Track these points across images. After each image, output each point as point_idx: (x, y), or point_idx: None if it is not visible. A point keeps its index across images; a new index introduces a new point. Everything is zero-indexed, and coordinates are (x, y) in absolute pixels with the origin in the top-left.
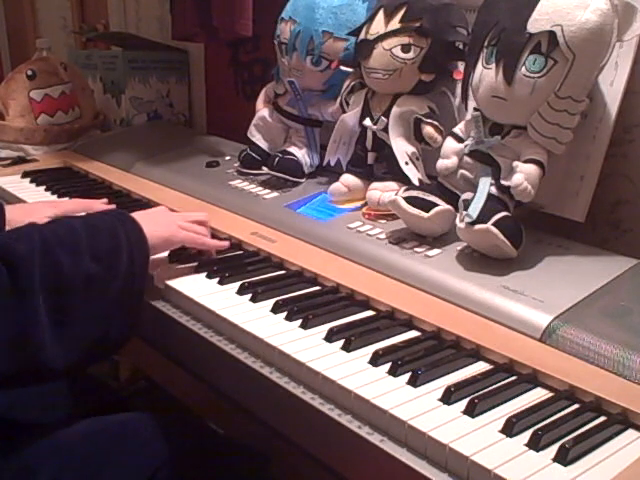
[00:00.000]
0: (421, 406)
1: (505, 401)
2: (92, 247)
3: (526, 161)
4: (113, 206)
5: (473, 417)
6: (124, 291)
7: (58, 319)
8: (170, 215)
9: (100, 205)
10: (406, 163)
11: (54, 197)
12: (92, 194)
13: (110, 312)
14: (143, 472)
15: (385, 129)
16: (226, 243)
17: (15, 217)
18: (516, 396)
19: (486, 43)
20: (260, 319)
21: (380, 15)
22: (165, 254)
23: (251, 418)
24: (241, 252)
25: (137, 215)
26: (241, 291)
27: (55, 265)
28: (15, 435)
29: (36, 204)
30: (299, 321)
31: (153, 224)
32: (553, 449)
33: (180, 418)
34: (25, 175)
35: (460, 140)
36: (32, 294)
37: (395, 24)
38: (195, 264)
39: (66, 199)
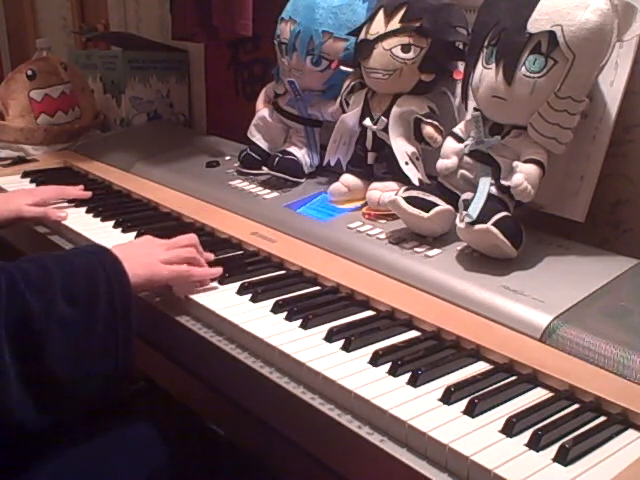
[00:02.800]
0: (421, 406)
1: (505, 401)
2: (67, 289)
3: (526, 161)
4: (89, 193)
5: (473, 417)
6: (106, 334)
7: (29, 369)
8: (154, 247)
9: (75, 191)
10: (406, 163)
11: (70, 205)
12: (92, 194)
13: (94, 358)
14: (143, 473)
15: (385, 129)
16: (216, 271)
17: None
18: (516, 396)
19: (486, 43)
20: (260, 319)
21: (380, 15)
22: None
23: (251, 418)
24: (241, 252)
25: (119, 251)
26: (241, 291)
27: (23, 309)
28: (14, 435)
29: (14, 193)
30: (299, 321)
31: (135, 262)
32: (553, 449)
33: (180, 419)
34: (25, 175)
35: (460, 140)
36: None
37: (395, 24)
38: None
39: (47, 186)
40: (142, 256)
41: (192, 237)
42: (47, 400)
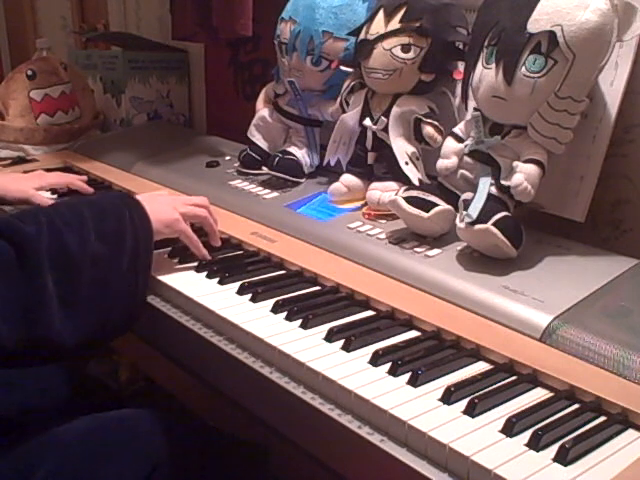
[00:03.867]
0: (421, 406)
1: (505, 401)
2: (98, 228)
3: (526, 161)
4: (91, 190)
5: (473, 417)
6: (129, 270)
7: (66, 297)
8: (173, 201)
9: (80, 183)
10: (406, 163)
11: (54, 197)
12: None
13: (116, 292)
14: (142, 468)
15: (385, 129)
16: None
17: (3, 183)
18: (516, 396)
19: (486, 43)
20: (260, 319)
21: (380, 15)
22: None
23: (251, 418)
24: (241, 252)
25: (142, 198)
26: (241, 291)
27: (62, 245)
28: (13, 433)
29: (23, 176)
30: (299, 321)
31: (157, 209)
32: (553, 449)
33: (178, 414)
34: None
35: (460, 140)
36: (40, 273)
37: (395, 24)
38: (195, 264)
39: (53, 172)
40: (163, 204)
41: (205, 199)
42: (80, 324)
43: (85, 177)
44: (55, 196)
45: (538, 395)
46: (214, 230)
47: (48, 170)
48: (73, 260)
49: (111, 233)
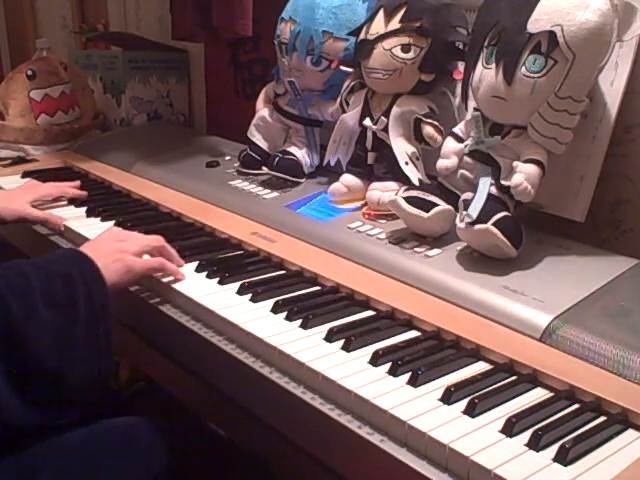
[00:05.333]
0: (421, 406)
1: (505, 401)
2: (46, 294)
3: (526, 161)
4: (85, 193)
5: (473, 417)
6: (89, 334)
7: (15, 370)
8: (123, 241)
9: (73, 190)
10: (406, 163)
11: (72, 207)
12: (92, 194)
13: (78, 358)
14: (144, 475)
15: (385, 129)
16: (180, 263)
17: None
18: (516, 396)
19: (486, 43)
20: (260, 319)
21: (380, 15)
22: None
23: (251, 418)
24: (241, 252)
25: (89, 250)
26: (241, 291)
27: (7, 314)
28: (15, 436)
29: (15, 191)
30: (299, 321)
31: (108, 260)
32: (553, 449)
33: (180, 419)
34: (25, 175)
35: (460, 140)
36: None
37: (395, 24)
38: (195, 264)
39: (46, 184)
40: (113, 252)
41: (157, 238)
42: (33, 398)
43: (78, 183)
44: (72, 206)
45: (538, 395)
46: (173, 255)
47: (48, 170)
48: (19, 329)
49: (61, 297)
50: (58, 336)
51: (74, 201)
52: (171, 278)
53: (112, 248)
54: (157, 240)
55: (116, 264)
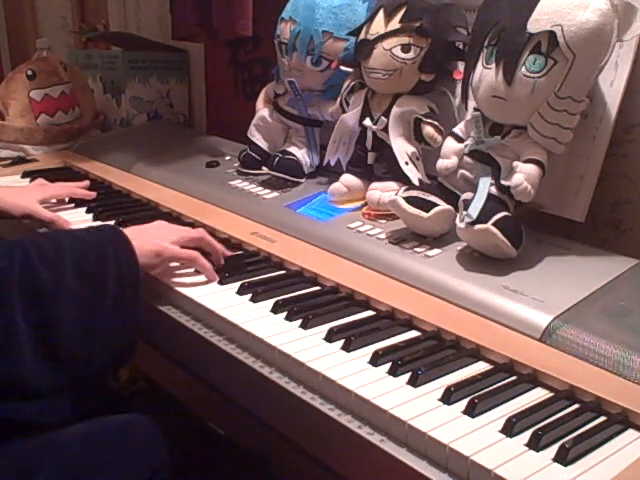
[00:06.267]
0: (421, 406)
1: (505, 401)
2: (77, 265)
3: (526, 161)
4: (94, 194)
5: (473, 417)
6: (114, 310)
7: (41, 335)
8: (165, 229)
9: (82, 191)
10: (406, 163)
11: (81, 209)
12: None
13: (103, 331)
14: (142, 473)
15: (385, 129)
16: (214, 276)
17: (7, 198)
18: (516, 396)
19: (486, 43)
20: (260, 319)
21: (380, 15)
22: None
23: (251, 418)
24: (241, 252)
25: (130, 231)
26: (241, 291)
27: (35, 280)
28: (13, 434)
29: (25, 188)
30: (299, 321)
31: (144, 241)
32: (553, 449)
33: (180, 419)
34: (25, 175)
35: (460, 140)
36: (10, 309)
37: (395, 24)
38: None
39: (55, 184)
40: (152, 237)
41: (200, 231)
42: (59, 364)
43: (87, 182)
44: (73, 205)
45: (538, 395)
46: (215, 249)
47: (48, 170)
48: (47, 296)
49: (91, 270)
50: (84, 307)
51: (74, 200)
52: (171, 279)
53: (151, 233)
54: (198, 232)
55: (149, 247)
